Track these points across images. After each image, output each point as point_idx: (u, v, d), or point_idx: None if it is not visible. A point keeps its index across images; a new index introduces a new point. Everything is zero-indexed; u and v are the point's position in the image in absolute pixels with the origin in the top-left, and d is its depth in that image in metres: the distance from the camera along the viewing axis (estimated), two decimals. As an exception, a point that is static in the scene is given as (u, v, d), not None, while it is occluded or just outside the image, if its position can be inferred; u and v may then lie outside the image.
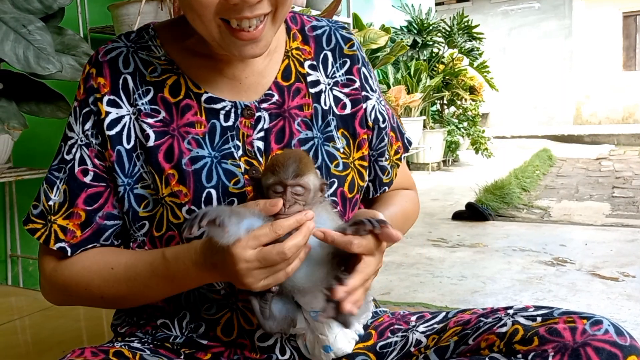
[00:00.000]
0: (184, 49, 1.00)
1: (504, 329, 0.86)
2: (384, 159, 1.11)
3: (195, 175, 0.94)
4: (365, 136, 1.06)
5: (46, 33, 1.84)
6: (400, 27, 6.95)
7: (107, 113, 0.96)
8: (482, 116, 8.46)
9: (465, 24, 6.80)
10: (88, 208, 0.97)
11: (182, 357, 0.98)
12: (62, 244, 0.96)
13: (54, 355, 1.00)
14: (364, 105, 1.07)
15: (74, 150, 0.98)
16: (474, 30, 6.85)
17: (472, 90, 7.19)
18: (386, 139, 1.10)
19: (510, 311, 0.91)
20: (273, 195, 0.83)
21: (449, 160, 7.31)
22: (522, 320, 0.86)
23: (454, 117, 7.21)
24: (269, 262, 0.79)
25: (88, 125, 0.98)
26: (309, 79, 1.04)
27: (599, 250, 3.23)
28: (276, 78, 1.02)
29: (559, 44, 12.54)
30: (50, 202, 0.98)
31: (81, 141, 0.98)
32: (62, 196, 0.97)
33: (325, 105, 1.03)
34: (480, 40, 6.91)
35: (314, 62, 1.06)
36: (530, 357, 0.80)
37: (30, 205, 1.02)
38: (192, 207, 0.93)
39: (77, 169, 0.97)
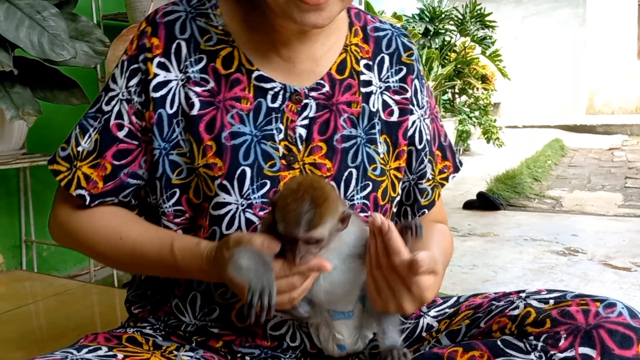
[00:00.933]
0: (243, 22, 0.99)
1: (516, 312, 0.85)
2: (424, 181, 1.09)
3: (233, 150, 0.94)
4: (405, 148, 1.04)
5: (60, 19, 1.85)
6: (413, 14, 6.90)
7: (156, 75, 0.96)
8: (494, 105, 8.41)
9: (478, 11, 6.74)
10: (115, 162, 0.97)
11: (193, 344, 0.98)
12: (82, 192, 0.97)
13: (68, 340, 1.02)
14: (409, 118, 1.05)
15: (113, 102, 0.98)
16: (486, 18, 6.79)
17: (484, 79, 7.15)
18: (426, 160, 1.08)
19: (523, 294, 0.91)
20: (286, 242, 0.79)
21: (460, 149, 7.28)
22: (535, 303, 0.86)
23: (466, 106, 7.17)
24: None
25: (133, 82, 0.97)
26: (362, 77, 1.02)
27: (611, 240, 3.22)
28: (330, 69, 1.00)
29: (573, 32, 12.40)
30: (80, 148, 0.98)
31: (122, 96, 0.98)
32: (93, 145, 0.97)
33: (374, 107, 1.02)
34: (493, 28, 6.85)
35: (370, 62, 1.04)
36: (542, 339, 0.79)
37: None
38: (224, 182, 0.92)
39: (112, 122, 0.97)
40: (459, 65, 6.83)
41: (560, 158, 6.77)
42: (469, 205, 4.18)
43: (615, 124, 9.85)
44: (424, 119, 1.07)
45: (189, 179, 0.95)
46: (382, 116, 1.02)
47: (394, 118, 1.03)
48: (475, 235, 3.44)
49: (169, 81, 0.96)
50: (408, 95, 1.05)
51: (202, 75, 0.96)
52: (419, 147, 1.06)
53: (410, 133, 1.05)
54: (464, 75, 6.89)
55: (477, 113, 7.00)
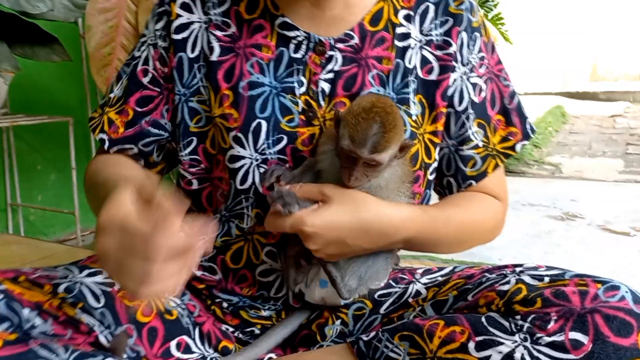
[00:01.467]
0: None
1: (505, 287, 0.79)
2: (467, 147, 0.97)
3: (250, 101, 0.90)
4: (444, 110, 0.95)
5: (37, -31, 1.76)
6: (413, -23, 6.75)
7: (178, 16, 0.93)
8: (495, 71, 8.29)
9: (480, -26, 6.58)
10: (137, 109, 0.96)
11: None
12: (103, 136, 0.97)
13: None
14: (450, 75, 0.95)
15: (142, 48, 0.97)
16: (489, -19, 6.64)
17: (485, 43, 7.02)
18: (468, 124, 0.97)
19: (518, 269, 0.84)
20: (344, 160, 0.80)
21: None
22: (528, 279, 0.79)
23: (466, 71, 7.07)
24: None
25: (159, 25, 0.95)
26: (399, 30, 0.94)
27: (611, 205, 3.17)
28: (363, 19, 0.93)
29: (577, -3, 12.19)
30: (112, 95, 0.98)
31: (150, 40, 0.96)
32: (122, 91, 0.97)
33: (410, 64, 0.93)
34: (496, -9, 6.70)
35: (411, 13, 0.95)
36: (529, 319, 0.72)
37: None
38: (239, 135, 0.89)
39: (139, 67, 0.96)
40: (460, 30, 6.72)
41: (561, 125, 6.70)
42: (467, 171, 4.15)
43: (618, 91, 9.75)
44: (467, 78, 0.97)
45: (207, 127, 0.93)
46: (420, 74, 0.94)
47: (433, 76, 0.95)
48: (472, 201, 3.40)
49: (191, 23, 0.93)
50: (451, 50, 0.95)
51: (224, 19, 0.93)
52: (459, 108, 0.96)
53: (449, 93, 0.95)
54: (464, 39, 6.78)
55: (477, 79, 6.91)
